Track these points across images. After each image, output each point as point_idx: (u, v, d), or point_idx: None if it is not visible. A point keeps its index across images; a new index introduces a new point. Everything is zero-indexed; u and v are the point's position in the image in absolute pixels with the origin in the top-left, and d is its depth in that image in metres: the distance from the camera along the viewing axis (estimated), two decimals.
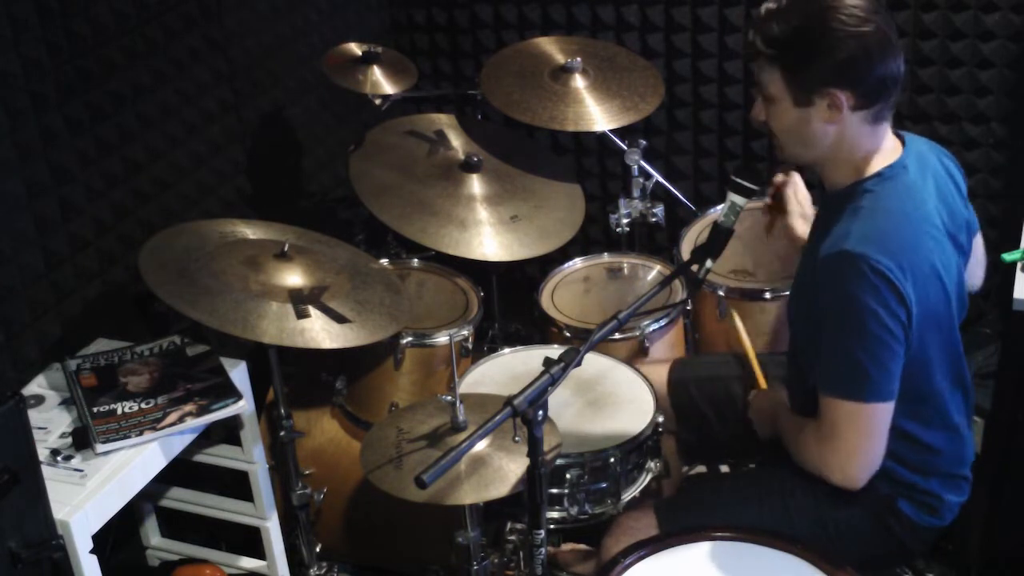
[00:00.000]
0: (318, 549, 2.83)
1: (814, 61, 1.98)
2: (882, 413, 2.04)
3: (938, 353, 2.11)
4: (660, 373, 2.66)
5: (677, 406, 2.60)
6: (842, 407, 2.04)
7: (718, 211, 2.43)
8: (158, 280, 2.33)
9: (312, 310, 2.38)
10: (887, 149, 2.09)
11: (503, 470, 2.15)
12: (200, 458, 2.63)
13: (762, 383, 2.46)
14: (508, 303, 3.30)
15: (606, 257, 3.17)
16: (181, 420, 2.33)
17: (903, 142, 2.13)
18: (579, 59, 3.10)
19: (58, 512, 2.04)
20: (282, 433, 2.66)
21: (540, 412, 1.91)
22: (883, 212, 2.02)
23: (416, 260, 3.09)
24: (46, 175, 2.48)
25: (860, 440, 2.05)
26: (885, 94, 2.02)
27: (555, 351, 2.36)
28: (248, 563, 2.79)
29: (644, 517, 2.28)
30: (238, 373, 2.50)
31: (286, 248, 2.48)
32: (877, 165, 2.07)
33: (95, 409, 2.34)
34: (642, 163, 3.14)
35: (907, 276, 1.97)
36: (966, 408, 2.22)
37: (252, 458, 2.59)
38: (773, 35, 2.00)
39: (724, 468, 2.93)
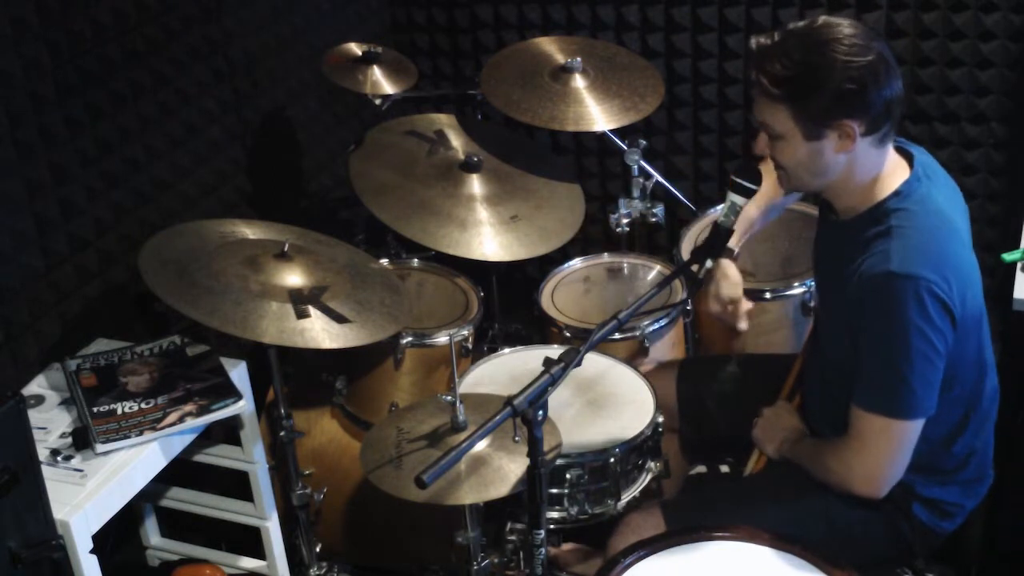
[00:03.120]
0: (318, 549, 2.83)
1: (823, 95, 1.98)
2: (916, 429, 2.08)
3: (980, 355, 2.15)
4: (667, 371, 2.67)
5: (683, 403, 2.61)
6: (878, 422, 2.07)
7: (718, 211, 2.43)
8: (158, 280, 2.33)
9: (312, 310, 2.38)
10: (894, 167, 2.11)
11: (503, 470, 2.15)
12: (200, 458, 2.63)
13: (782, 396, 2.47)
14: (508, 303, 3.30)
15: (606, 257, 3.17)
16: (181, 420, 2.33)
17: (906, 154, 2.15)
18: (579, 59, 3.10)
19: (58, 512, 2.04)
20: (282, 433, 2.66)
21: (540, 412, 1.91)
22: (916, 229, 2.04)
23: (416, 260, 3.09)
24: (46, 175, 2.48)
25: (891, 454, 2.09)
26: (891, 117, 2.03)
27: (555, 351, 2.37)
28: (248, 563, 2.78)
29: (651, 516, 2.28)
30: (238, 373, 2.50)
31: (286, 248, 2.48)
32: (893, 184, 2.09)
33: (95, 409, 2.34)
34: (642, 163, 3.14)
35: (952, 286, 2.00)
36: (994, 411, 2.25)
37: (252, 458, 2.59)
38: (778, 75, 2.00)
39: (724, 468, 2.93)
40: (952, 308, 2.00)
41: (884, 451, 2.09)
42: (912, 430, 2.07)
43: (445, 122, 3.16)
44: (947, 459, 2.20)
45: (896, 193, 2.07)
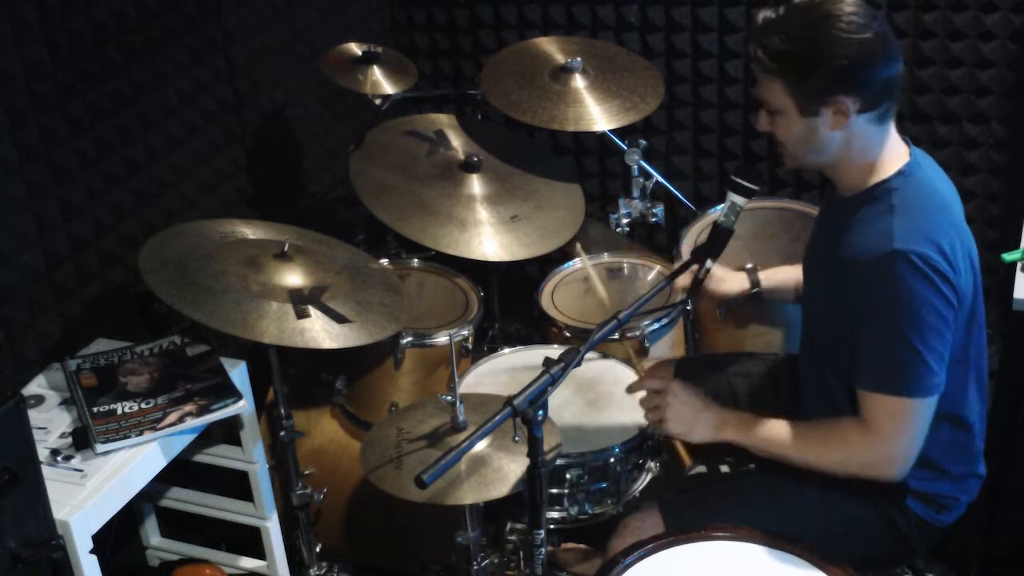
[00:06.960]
0: (318, 549, 2.84)
1: (818, 72, 1.98)
2: (931, 407, 2.07)
3: (965, 340, 2.13)
4: (664, 370, 2.66)
5: None
6: (892, 403, 2.05)
7: (718, 211, 2.43)
8: (158, 280, 2.34)
9: (312, 310, 2.39)
10: (897, 149, 2.11)
11: (503, 470, 2.15)
12: (200, 458, 2.63)
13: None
14: (508, 303, 3.30)
15: (606, 257, 3.17)
16: (181, 420, 2.33)
17: (904, 142, 2.16)
18: (579, 59, 3.10)
19: (58, 512, 2.04)
20: (282, 433, 2.66)
21: (540, 412, 1.91)
22: (915, 207, 2.05)
23: (416, 260, 3.09)
24: (46, 175, 2.48)
25: (907, 434, 2.07)
26: (890, 95, 2.04)
27: (555, 351, 2.37)
28: (248, 563, 2.79)
29: (650, 518, 2.28)
30: (238, 373, 2.50)
31: (286, 248, 2.48)
32: (894, 164, 2.09)
33: (95, 409, 2.34)
34: (642, 163, 3.14)
35: (951, 263, 2.01)
36: (981, 404, 2.24)
37: (252, 458, 2.59)
38: (775, 48, 2.00)
39: (724, 468, 2.93)
40: (955, 283, 2.02)
41: (900, 432, 2.06)
42: (928, 407, 2.06)
43: (445, 122, 3.16)
44: (935, 451, 2.18)
45: (900, 173, 2.08)
